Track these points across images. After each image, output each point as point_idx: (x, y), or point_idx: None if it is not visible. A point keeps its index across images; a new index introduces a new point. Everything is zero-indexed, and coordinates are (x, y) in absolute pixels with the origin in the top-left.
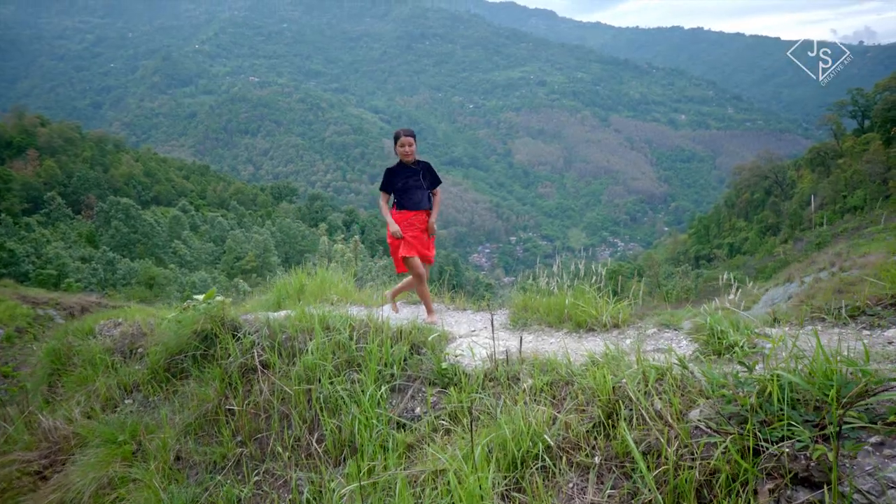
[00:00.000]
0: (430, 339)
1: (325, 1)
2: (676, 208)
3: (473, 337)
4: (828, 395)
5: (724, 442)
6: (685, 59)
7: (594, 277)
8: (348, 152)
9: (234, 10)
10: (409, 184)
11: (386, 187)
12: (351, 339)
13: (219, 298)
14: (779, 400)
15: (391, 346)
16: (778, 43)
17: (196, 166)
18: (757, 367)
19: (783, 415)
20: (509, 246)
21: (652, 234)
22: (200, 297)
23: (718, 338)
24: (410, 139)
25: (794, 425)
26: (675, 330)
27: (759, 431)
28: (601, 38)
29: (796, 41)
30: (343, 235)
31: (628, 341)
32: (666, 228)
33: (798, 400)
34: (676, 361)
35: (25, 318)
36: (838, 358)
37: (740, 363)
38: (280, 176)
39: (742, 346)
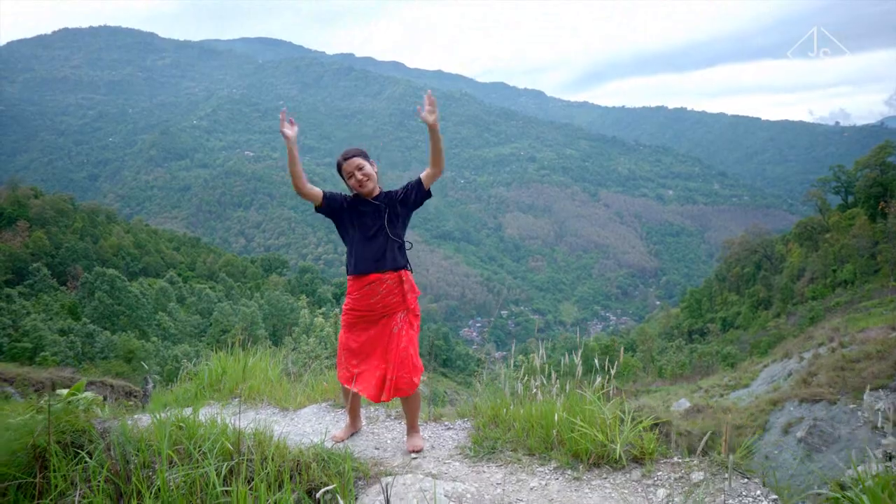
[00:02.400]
0: (328, 489)
1: (320, 80)
2: (667, 282)
3: (411, 471)
4: None
5: None
6: (670, 136)
7: (598, 376)
8: None
9: (232, 87)
10: (367, 222)
11: (329, 198)
12: (220, 474)
13: (86, 395)
14: None
15: (272, 493)
16: (759, 122)
17: (187, 238)
18: None
19: None
20: (501, 320)
21: (644, 307)
22: (64, 391)
23: None
24: (359, 160)
25: None
26: (747, 477)
27: None
28: (589, 117)
29: (778, 120)
30: (326, 309)
31: (661, 494)
32: (657, 302)
33: None
34: None
35: None
36: None
37: None
38: (271, 248)
39: None
